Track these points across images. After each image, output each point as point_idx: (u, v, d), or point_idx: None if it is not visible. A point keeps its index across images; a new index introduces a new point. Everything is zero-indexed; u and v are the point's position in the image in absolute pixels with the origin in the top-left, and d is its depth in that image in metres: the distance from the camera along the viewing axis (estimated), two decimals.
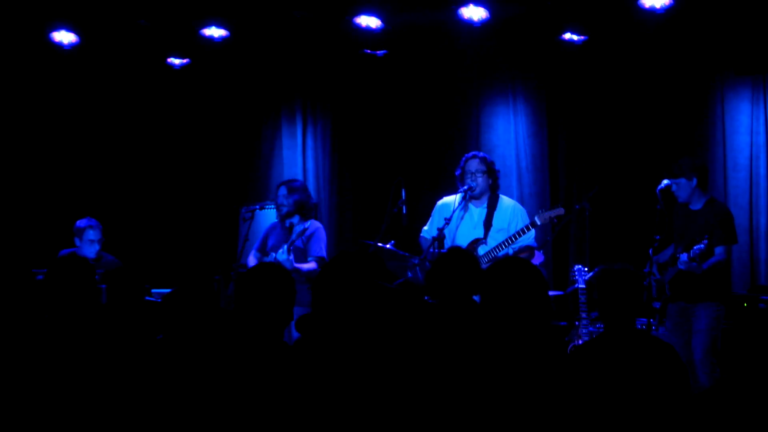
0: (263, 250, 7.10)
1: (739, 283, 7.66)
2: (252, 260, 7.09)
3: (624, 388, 3.52)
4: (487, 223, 6.56)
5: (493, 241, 6.49)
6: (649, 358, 3.68)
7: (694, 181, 6.19)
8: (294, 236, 6.77)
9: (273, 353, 3.37)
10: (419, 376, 3.18)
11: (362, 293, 3.13)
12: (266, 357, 3.34)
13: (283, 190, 7.02)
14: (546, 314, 3.36)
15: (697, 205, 6.23)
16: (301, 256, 6.85)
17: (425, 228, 6.91)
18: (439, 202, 6.87)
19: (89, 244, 7.23)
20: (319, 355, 3.14)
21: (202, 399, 3.32)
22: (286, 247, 6.68)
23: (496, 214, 6.58)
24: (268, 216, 7.80)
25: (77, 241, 7.30)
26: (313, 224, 7.00)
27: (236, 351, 3.41)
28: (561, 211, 6.40)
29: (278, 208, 7.02)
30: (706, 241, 5.84)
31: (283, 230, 7.04)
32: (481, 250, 6.44)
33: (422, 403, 3.10)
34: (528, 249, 6.45)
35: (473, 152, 6.85)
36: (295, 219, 6.99)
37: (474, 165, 6.62)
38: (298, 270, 6.65)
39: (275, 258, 6.74)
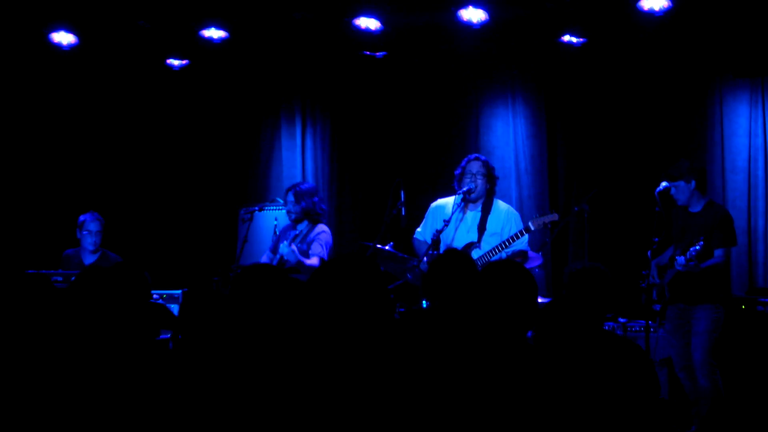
0: (275, 251, 7.13)
1: (738, 285, 7.67)
2: (265, 260, 7.15)
3: (589, 388, 3.51)
4: (481, 227, 6.57)
5: (486, 245, 6.50)
6: (615, 358, 3.66)
7: (693, 183, 6.19)
8: (299, 238, 6.83)
9: (269, 354, 3.37)
10: (415, 378, 3.18)
11: (357, 296, 3.14)
12: (262, 357, 3.35)
13: (290, 197, 7.08)
14: (531, 319, 3.37)
15: (696, 208, 6.24)
16: (303, 255, 6.88)
17: (419, 230, 6.91)
18: (434, 204, 6.88)
19: (88, 234, 7.30)
20: (314, 356, 3.14)
21: (203, 400, 3.32)
22: (289, 240, 6.74)
23: (490, 218, 6.60)
24: (267, 217, 7.81)
25: (78, 233, 7.35)
26: (320, 227, 7.04)
27: (235, 352, 3.41)
28: (555, 216, 6.41)
29: (287, 213, 7.09)
30: (702, 242, 5.84)
31: (293, 234, 7.11)
32: (475, 254, 6.44)
33: (417, 404, 3.11)
34: (521, 254, 6.46)
35: (476, 154, 6.87)
36: (304, 224, 7.04)
37: (476, 167, 6.63)
38: (301, 262, 6.74)
39: (280, 254, 6.82)
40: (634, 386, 3.56)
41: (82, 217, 7.38)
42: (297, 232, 7.08)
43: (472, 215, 6.64)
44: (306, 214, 7.03)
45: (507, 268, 3.46)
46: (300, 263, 6.75)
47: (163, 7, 7.71)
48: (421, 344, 3.51)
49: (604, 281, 3.87)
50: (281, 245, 6.82)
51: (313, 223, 7.05)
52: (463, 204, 6.63)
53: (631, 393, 3.54)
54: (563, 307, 3.66)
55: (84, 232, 7.31)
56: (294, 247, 6.77)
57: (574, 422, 3.31)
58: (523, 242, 6.46)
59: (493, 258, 6.38)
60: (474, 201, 6.64)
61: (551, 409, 3.25)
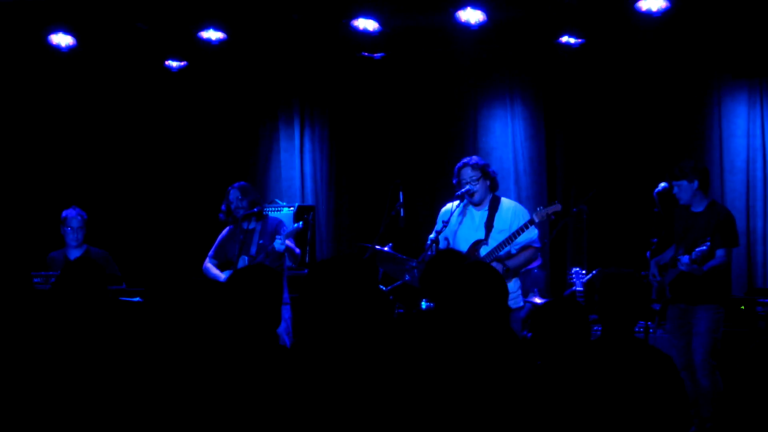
0: (221, 257, 7.02)
1: (737, 286, 7.66)
2: (210, 267, 7.03)
3: (616, 395, 3.51)
4: (489, 225, 6.49)
5: (494, 242, 6.43)
6: (644, 367, 3.65)
7: (696, 183, 6.18)
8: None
9: (266, 356, 3.37)
10: (412, 380, 3.18)
11: (354, 295, 3.14)
12: (259, 360, 3.34)
13: (236, 194, 6.97)
14: (501, 322, 3.39)
15: (698, 208, 6.23)
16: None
17: (431, 235, 6.84)
18: (443, 208, 6.81)
19: (71, 231, 7.24)
20: (310, 358, 3.14)
21: (196, 401, 3.32)
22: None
23: (498, 216, 6.48)
24: None
25: (61, 229, 7.30)
26: (273, 219, 7.05)
27: (230, 354, 3.41)
28: (558, 207, 6.34)
29: (233, 211, 6.94)
30: (708, 243, 5.84)
31: (242, 234, 6.93)
32: (483, 251, 6.41)
33: (414, 405, 3.11)
34: (530, 247, 6.37)
35: (464, 160, 6.65)
36: (252, 221, 6.96)
37: (467, 174, 6.49)
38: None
39: (247, 261, 6.78)
40: (660, 396, 3.56)
41: (64, 213, 7.30)
42: (252, 227, 6.94)
43: (479, 214, 6.54)
44: (253, 208, 6.93)
45: (475, 269, 3.48)
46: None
47: (161, 9, 7.71)
48: (419, 344, 3.51)
49: (638, 288, 3.87)
50: (276, 242, 6.74)
51: (260, 218, 6.96)
52: (464, 204, 6.59)
53: (657, 403, 3.54)
54: (595, 311, 3.68)
55: (67, 229, 7.25)
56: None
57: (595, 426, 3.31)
58: (531, 236, 6.35)
59: (502, 252, 6.32)
60: (479, 204, 6.54)
61: (566, 413, 3.25)
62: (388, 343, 3.30)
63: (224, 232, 7.12)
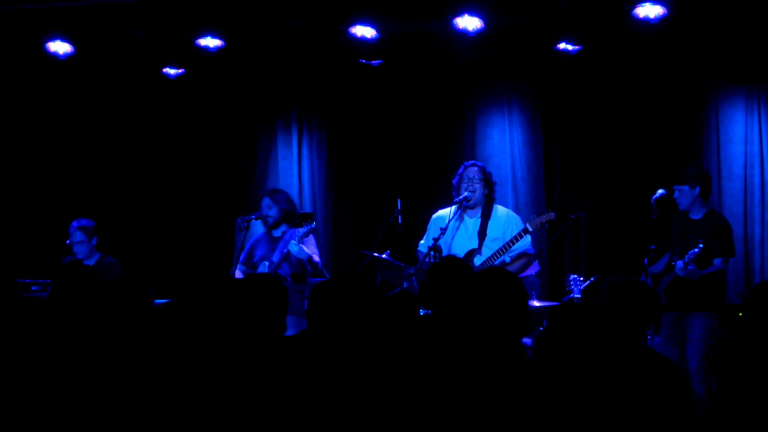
0: (249, 263, 7.10)
1: (734, 293, 7.66)
2: (238, 273, 7.06)
3: (624, 403, 3.50)
4: (482, 234, 6.54)
5: (488, 250, 6.47)
6: (653, 375, 3.64)
7: (697, 189, 6.19)
8: (303, 230, 6.75)
9: (268, 363, 3.37)
10: (412, 387, 3.18)
11: (357, 309, 3.16)
12: (262, 366, 3.34)
13: (266, 201, 7.08)
14: (521, 327, 3.37)
15: (697, 215, 6.24)
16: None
17: (422, 242, 6.89)
18: (435, 215, 6.86)
19: (74, 246, 7.29)
20: (314, 365, 3.14)
21: (199, 407, 3.32)
22: (297, 238, 6.70)
23: (491, 224, 6.57)
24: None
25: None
26: (302, 229, 7.03)
27: (233, 360, 3.41)
28: (552, 215, 6.40)
29: (264, 218, 7.04)
30: (701, 245, 5.84)
31: (269, 240, 7.06)
32: (477, 260, 6.43)
33: (413, 411, 3.11)
34: (525, 255, 6.42)
35: (472, 161, 6.88)
36: (283, 228, 7.03)
37: (473, 172, 6.64)
38: (311, 258, 6.77)
39: (267, 267, 6.79)
40: (669, 404, 3.55)
41: (71, 225, 7.35)
42: (279, 235, 7.02)
43: (473, 222, 6.63)
44: (285, 216, 7.02)
45: (495, 275, 3.47)
46: (310, 259, 6.79)
47: (158, 16, 7.71)
48: (421, 352, 3.51)
49: (647, 296, 3.86)
50: (291, 244, 6.75)
51: (293, 226, 7.01)
52: (460, 211, 6.63)
53: (665, 411, 3.53)
54: (602, 319, 3.66)
55: (74, 243, 7.29)
56: (301, 248, 6.73)
57: None
58: (525, 244, 6.42)
59: (497, 262, 6.35)
60: (472, 208, 6.62)
61: (579, 421, 3.24)
62: (389, 349, 3.31)
63: (256, 236, 7.20)
